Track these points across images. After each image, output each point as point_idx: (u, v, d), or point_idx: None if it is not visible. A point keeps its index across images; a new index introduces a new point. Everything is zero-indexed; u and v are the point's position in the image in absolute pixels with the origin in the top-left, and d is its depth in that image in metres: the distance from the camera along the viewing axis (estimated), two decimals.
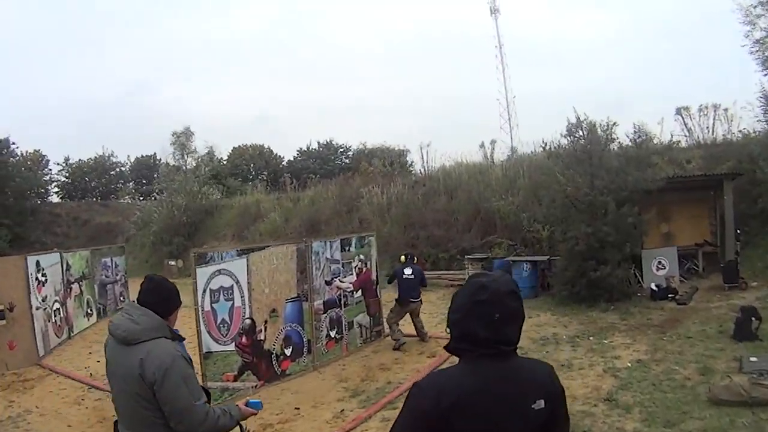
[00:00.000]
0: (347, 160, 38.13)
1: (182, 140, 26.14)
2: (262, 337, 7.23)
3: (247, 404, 2.82)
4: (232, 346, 6.87)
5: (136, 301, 2.70)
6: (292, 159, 39.35)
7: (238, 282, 7.02)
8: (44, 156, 32.89)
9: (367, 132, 77.20)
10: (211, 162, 27.95)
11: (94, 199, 33.76)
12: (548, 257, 12.40)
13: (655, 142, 14.03)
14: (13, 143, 29.08)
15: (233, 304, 6.98)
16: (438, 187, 17.71)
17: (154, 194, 26.61)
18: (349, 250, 9.04)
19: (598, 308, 10.04)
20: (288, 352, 7.61)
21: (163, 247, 24.45)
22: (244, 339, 7.00)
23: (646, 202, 10.58)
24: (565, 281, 10.64)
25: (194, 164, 26.54)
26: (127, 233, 26.58)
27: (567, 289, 10.59)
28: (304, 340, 7.90)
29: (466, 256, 13.90)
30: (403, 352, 8.60)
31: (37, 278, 10.27)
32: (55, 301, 11.00)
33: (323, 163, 37.74)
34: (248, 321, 7.07)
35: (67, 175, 34.00)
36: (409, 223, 17.56)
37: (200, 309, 6.61)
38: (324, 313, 8.37)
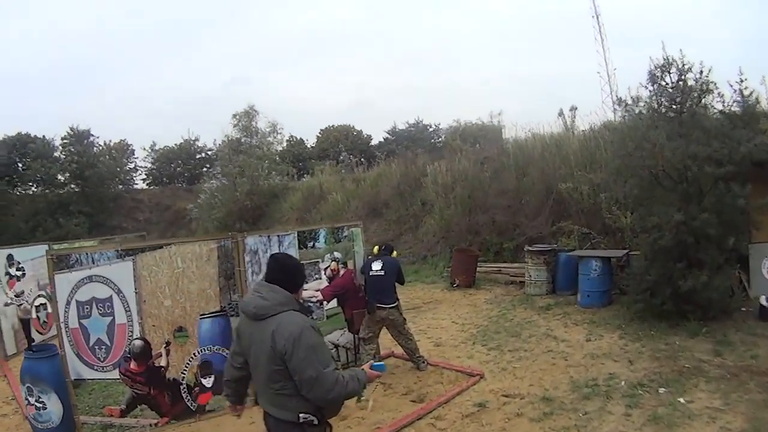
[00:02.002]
0: (439, 140, 36.10)
1: (244, 122, 24.65)
2: (164, 363, 5.32)
3: (371, 368, 2.84)
4: (114, 373, 5.07)
5: (264, 280, 2.78)
6: (382, 140, 38.10)
7: (119, 292, 5.11)
8: (129, 145, 33.42)
9: (464, 113, 73.04)
10: (275, 140, 26.35)
11: (180, 185, 33.86)
12: (627, 251, 9.28)
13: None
14: (93, 134, 29.86)
15: (113, 320, 5.11)
16: (508, 163, 14.75)
17: (223, 178, 25.56)
18: (313, 246, 6.69)
19: (684, 330, 6.95)
20: (208, 382, 5.56)
21: (227, 232, 23.46)
22: (133, 365, 5.16)
23: (755, 178, 7.22)
24: (643, 288, 7.60)
25: (260, 145, 25.05)
26: (189, 217, 26.02)
27: (645, 300, 7.56)
28: None
29: (526, 248, 11.05)
30: (383, 388, 6.17)
31: (7, 272, 9.44)
32: (39, 295, 9.98)
33: (412, 142, 35.75)
34: (138, 342, 5.19)
35: (153, 161, 34.33)
36: (474, 205, 14.85)
37: (63, 325, 4.84)
38: None
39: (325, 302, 6.66)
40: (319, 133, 39.51)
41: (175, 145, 34.49)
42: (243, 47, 71.54)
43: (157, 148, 34.27)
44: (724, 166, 7.01)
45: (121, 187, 31.11)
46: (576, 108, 13.92)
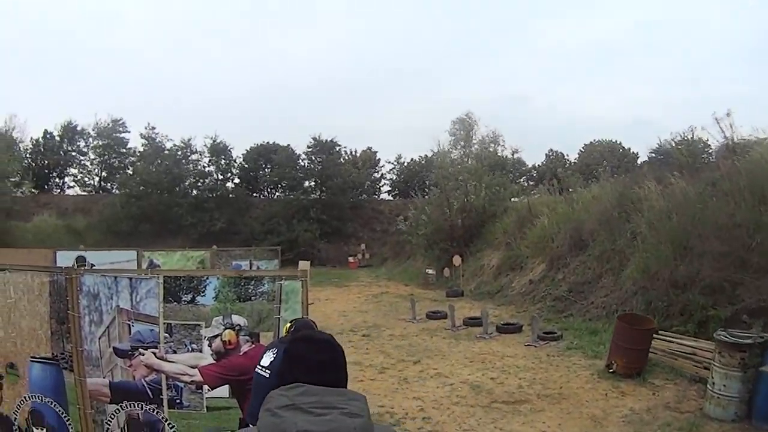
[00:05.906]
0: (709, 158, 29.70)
1: (462, 129, 22.71)
2: None
3: None
4: None
5: (304, 384, 1.58)
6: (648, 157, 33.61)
7: None
8: (375, 153, 34.44)
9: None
10: (491, 151, 23.70)
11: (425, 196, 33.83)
12: None
13: None
14: (339, 144, 31.41)
15: None
16: (739, 185, 9.82)
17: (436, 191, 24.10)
18: (192, 301, 4.43)
19: None
20: None
21: (436, 251, 21.89)
22: None
23: None
24: None
25: (474, 155, 22.81)
26: (393, 231, 25.11)
27: None
28: (69, 426, 4.43)
29: (717, 332, 6.75)
30: None
31: None
32: None
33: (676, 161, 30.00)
34: None
35: (398, 173, 34.86)
36: (687, 247, 10.32)
37: None
38: (114, 402, 4.38)
39: (206, 387, 4.40)
40: (582, 148, 36.80)
41: (420, 157, 34.65)
42: (518, 68, 69.09)
43: (402, 160, 34.90)
44: None
45: (363, 196, 32.21)
46: None
